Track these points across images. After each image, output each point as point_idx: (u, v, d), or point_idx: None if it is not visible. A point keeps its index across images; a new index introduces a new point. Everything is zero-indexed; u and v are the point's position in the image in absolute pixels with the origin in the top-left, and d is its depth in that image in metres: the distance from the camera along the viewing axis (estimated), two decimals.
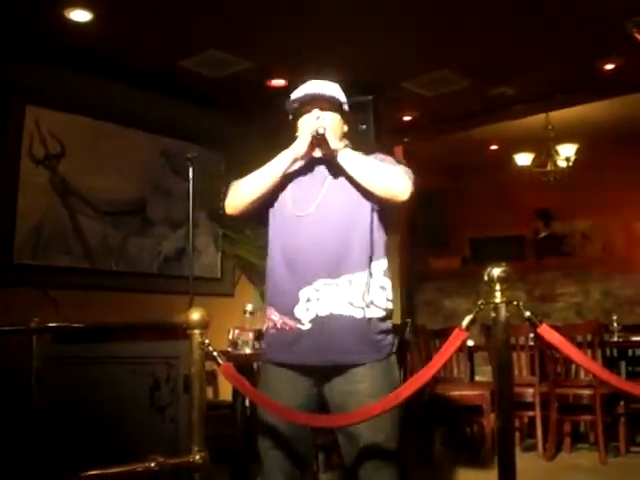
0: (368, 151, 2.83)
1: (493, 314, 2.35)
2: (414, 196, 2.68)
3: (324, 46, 5.54)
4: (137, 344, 3.35)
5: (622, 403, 5.38)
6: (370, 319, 2.58)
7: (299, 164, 2.75)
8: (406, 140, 7.67)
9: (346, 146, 2.75)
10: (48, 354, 3.45)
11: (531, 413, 5.54)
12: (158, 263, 6.28)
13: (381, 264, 2.67)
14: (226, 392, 5.13)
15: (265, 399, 2.56)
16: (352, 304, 2.56)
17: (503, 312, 2.34)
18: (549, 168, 8.41)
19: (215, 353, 2.58)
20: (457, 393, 5.62)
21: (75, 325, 3.36)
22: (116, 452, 2.90)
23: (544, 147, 8.40)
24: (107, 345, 3.47)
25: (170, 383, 2.90)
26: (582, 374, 5.42)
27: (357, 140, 6.44)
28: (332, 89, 2.75)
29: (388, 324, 2.66)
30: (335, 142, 2.66)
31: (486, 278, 2.36)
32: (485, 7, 5.06)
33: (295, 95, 2.75)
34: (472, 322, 2.39)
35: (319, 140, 2.64)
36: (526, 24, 5.32)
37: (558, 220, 9.42)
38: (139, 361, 3.13)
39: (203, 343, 2.55)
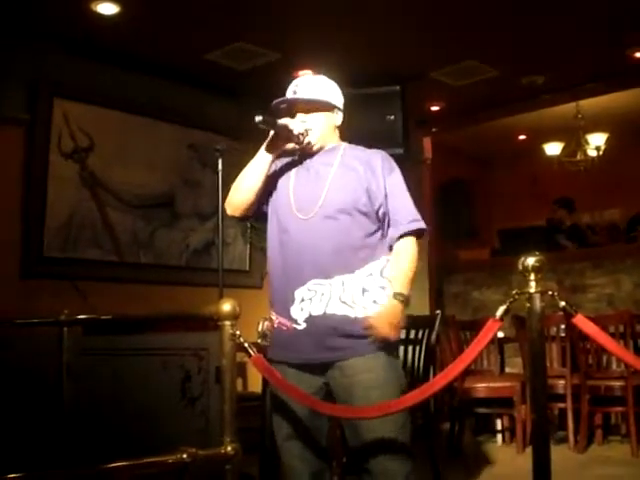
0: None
1: (528, 304, 2.32)
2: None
3: (351, 36, 5.51)
4: (167, 336, 3.36)
5: None
6: (365, 317, 2.58)
7: (301, 160, 2.77)
8: (434, 130, 7.61)
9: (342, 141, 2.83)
10: (79, 346, 3.46)
11: (562, 405, 5.48)
12: (186, 256, 6.29)
13: (381, 263, 2.67)
14: (256, 384, 5.13)
15: (295, 389, 2.56)
16: (345, 303, 2.58)
17: (538, 302, 2.32)
18: (579, 158, 8.31)
19: (246, 344, 2.58)
20: (488, 385, 5.59)
21: (105, 317, 3.39)
22: (146, 444, 2.91)
23: (574, 136, 8.30)
24: (137, 337, 3.48)
25: (201, 375, 2.90)
26: (614, 365, 5.36)
27: (384, 131, 6.41)
28: (315, 88, 2.75)
29: None
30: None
31: (520, 268, 2.34)
32: None
33: (278, 99, 2.78)
34: (506, 312, 2.37)
35: (283, 135, 2.66)
36: (556, 12, 5.25)
37: (587, 210, 9.31)
38: (169, 352, 3.13)
39: (234, 334, 2.54)
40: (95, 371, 3.41)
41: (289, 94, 2.76)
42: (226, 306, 2.53)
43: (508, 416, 5.75)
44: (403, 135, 6.07)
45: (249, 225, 6.52)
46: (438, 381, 2.42)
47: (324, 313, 2.57)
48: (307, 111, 2.72)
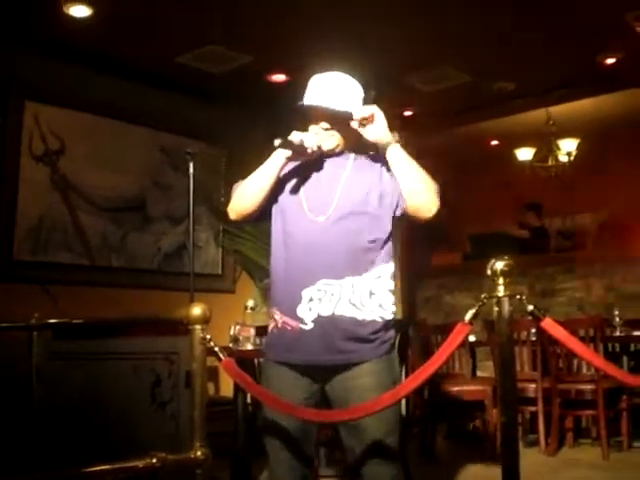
0: (367, 147, 2.82)
1: (496, 308, 2.34)
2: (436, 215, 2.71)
3: (324, 41, 5.52)
4: (138, 340, 3.34)
5: (624, 398, 5.36)
6: (372, 320, 2.57)
7: (314, 161, 2.72)
8: (406, 135, 7.63)
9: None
10: (48, 350, 3.43)
11: (533, 408, 5.52)
12: (158, 259, 6.27)
13: (389, 267, 2.67)
14: (227, 388, 5.13)
15: (267, 394, 2.55)
16: (355, 305, 2.56)
17: (506, 306, 2.34)
18: (550, 163, 8.39)
19: (216, 349, 2.57)
20: (459, 388, 5.60)
21: (75, 321, 3.36)
22: (116, 448, 2.89)
23: (545, 142, 8.37)
24: (107, 341, 3.44)
25: (171, 379, 2.88)
26: (584, 369, 5.41)
27: (358, 135, 6.43)
28: (343, 94, 2.66)
29: (389, 323, 2.65)
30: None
31: (489, 272, 2.36)
32: (486, 2, 5.05)
33: (306, 100, 2.68)
34: (475, 316, 2.39)
35: (297, 151, 2.63)
36: (526, 19, 5.31)
37: (558, 215, 9.40)
38: (140, 357, 3.11)
39: (204, 338, 2.53)
40: (65, 375, 3.37)
41: (313, 95, 2.67)
42: (196, 310, 2.53)
43: (480, 419, 5.78)
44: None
45: (221, 229, 6.52)
46: (408, 384, 2.43)
47: (333, 314, 2.54)
48: (334, 120, 2.65)
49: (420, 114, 7.27)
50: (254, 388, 2.61)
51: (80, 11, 4.99)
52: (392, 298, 2.65)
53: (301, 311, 2.57)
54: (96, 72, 5.83)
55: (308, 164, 2.74)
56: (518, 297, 2.36)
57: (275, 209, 2.74)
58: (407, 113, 7.25)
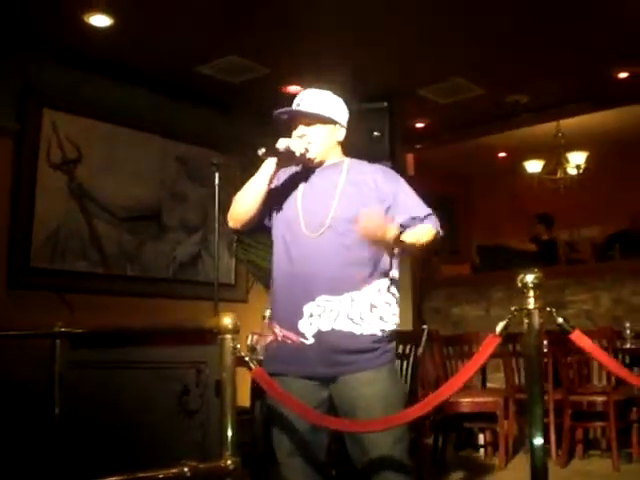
0: (380, 159, 2.87)
1: (526, 320, 2.36)
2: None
3: (340, 53, 5.57)
4: (163, 349, 3.34)
5: (635, 410, 5.38)
6: (370, 334, 2.61)
7: (307, 175, 2.78)
8: (418, 147, 7.69)
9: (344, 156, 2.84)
10: (67, 359, 3.44)
11: (545, 420, 5.52)
12: (173, 268, 6.29)
13: (388, 280, 2.70)
14: (243, 398, 5.14)
15: (296, 402, 2.57)
16: (352, 320, 2.60)
17: (536, 318, 2.35)
18: (559, 175, 8.43)
19: (247, 358, 2.60)
20: (472, 400, 5.61)
21: (101, 329, 3.38)
22: (142, 458, 2.90)
23: (554, 155, 8.41)
24: (130, 349, 3.45)
25: (200, 388, 2.89)
26: (596, 380, 5.43)
27: (370, 147, 6.48)
28: (319, 102, 2.76)
29: (390, 334, 2.68)
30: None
31: (519, 284, 2.38)
32: (501, 15, 5.10)
33: (280, 109, 2.79)
34: (506, 328, 2.41)
35: (285, 157, 2.68)
36: (542, 32, 5.35)
37: (566, 227, 9.43)
38: (166, 366, 3.12)
39: (235, 348, 2.56)
40: (86, 384, 3.38)
41: (293, 106, 2.77)
42: (227, 320, 2.55)
43: (490, 430, 5.80)
44: (390, 151, 6.11)
45: (235, 238, 6.53)
46: (442, 393, 2.45)
47: (332, 329, 2.59)
48: (308, 124, 2.73)
49: (432, 126, 7.31)
50: (283, 396, 2.64)
51: (101, 21, 5.03)
52: (393, 309, 2.69)
53: (302, 326, 2.62)
54: (114, 81, 5.87)
55: (302, 177, 2.79)
56: (548, 310, 2.39)
57: (275, 222, 2.79)
58: (419, 125, 7.29)
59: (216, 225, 4.30)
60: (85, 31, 5.14)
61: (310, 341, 2.61)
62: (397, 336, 2.73)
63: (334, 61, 5.61)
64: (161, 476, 2.32)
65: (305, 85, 6.01)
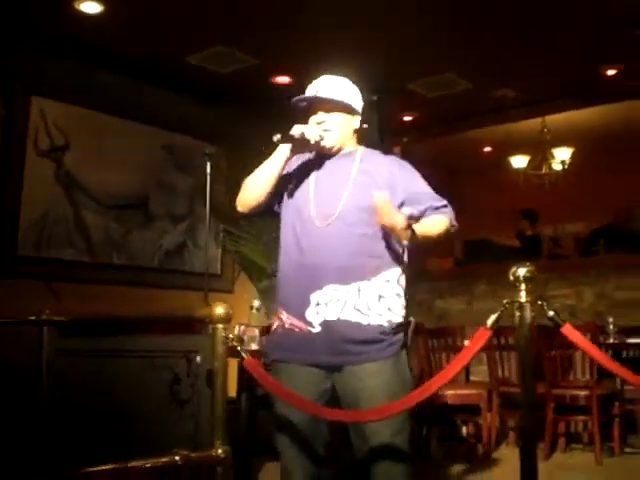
0: (381, 150, 2.86)
1: (518, 313, 2.38)
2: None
3: (329, 44, 5.56)
4: (151, 338, 3.34)
5: (617, 404, 5.43)
6: (377, 325, 2.60)
7: (320, 163, 2.75)
8: (405, 140, 7.70)
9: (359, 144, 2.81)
10: (54, 347, 3.43)
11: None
12: (159, 257, 6.28)
13: (397, 270, 2.69)
14: (230, 389, 5.14)
15: (288, 393, 2.58)
16: (360, 311, 2.59)
17: (528, 312, 2.37)
18: (544, 171, 8.46)
19: (239, 348, 2.61)
20: (455, 392, 5.64)
21: (89, 318, 3.38)
22: (133, 446, 2.90)
23: (539, 150, 8.45)
24: (119, 338, 3.45)
25: (191, 377, 2.90)
26: (579, 375, 5.47)
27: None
28: (338, 89, 2.73)
29: (398, 325, 2.67)
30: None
31: (511, 278, 2.39)
32: (490, 11, 5.13)
33: (299, 96, 2.75)
34: (497, 321, 2.43)
35: (299, 144, 2.66)
36: (530, 28, 5.38)
37: (550, 223, 9.48)
38: (155, 355, 3.12)
39: (227, 337, 2.56)
40: (77, 372, 3.38)
41: (310, 92, 2.74)
42: (219, 309, 2.55)
43: (474, 423, 5.84)
44: (378, 144, 6.11)
45: (222, 228, 6.53)
46: (434, 384, 2.46)
47: (338, 319, 2.58)
48: (328, 110, 2.70)
49: (420, 119, 7.33)
50: (275, 386, 2.64)
51: (91, 7, 4.99)
52: (401, 301, 2.68)
53: (309, 315, 2.61)
54: (103, 69, 5.84)
55: (315, 165, 2.77)
56: (539, 303, 2.41)
57: (286, 208, 2.77)
58: (407, 118, 7.30)
59: (207, 214, 4.28)
60: (75, 18, 5.10)
61: (317, 329, 2.60)
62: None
63: (324, 53, 5.59)
64: (152, 465, 2.33)
65: (293, 76, 6.08)
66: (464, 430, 6.11)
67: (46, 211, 5.51)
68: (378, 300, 2.61)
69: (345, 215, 2.63)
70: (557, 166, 8.42)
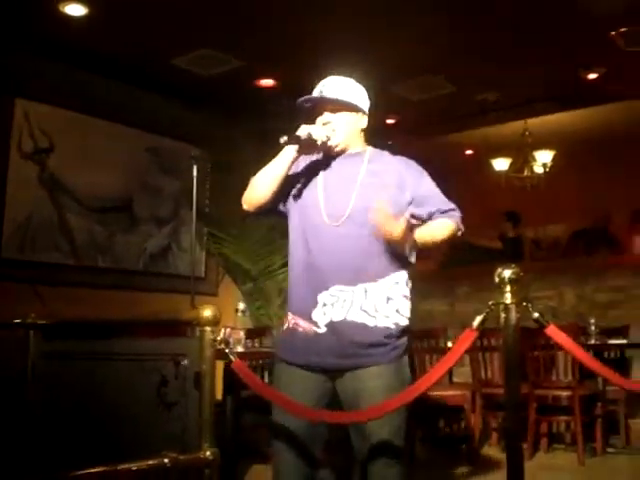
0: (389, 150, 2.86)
1: (503, 315, 2.40)
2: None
3: (314, 47, 5.58)
4: (138, 341, 3.33)
5: (599, 404, 5.48)
6: (384, 327, 2.59)
7: (328, 164, 2.74)
8: (389, 143, 7.71)
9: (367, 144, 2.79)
10: (39, 350, 3.42)
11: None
12: (144, 261, 6.27)
13: (406, 273, 2.68)
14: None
15: (278, 396, 2.59)
16: (367, 312, 2.58)
17: (514, 313, 2.39)
18: (526, 174, 8.52)
19: (227, 350, 2.63)
20: (439, 394, 5.67)
21: (77, 320, 3.37)
22: (121, 448, 2.90)
23: (521, 153, 8.50)
24: (105, 342, 3.43)
25: (179, 380, 2.90)
26: (562, 375, 5.52)
27: None
28: (343, 89, 2.72)
29: (404, 329, 2.66)
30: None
31: (497, 279, 2.41)
32: (474, 15, 5.17)
33: (304, 97, 2.73)
34: (483, 323, 2.45)
35: (306, 145, 2.64)
36: (513, 32, 5.43)
37: (531, 225, 9.54)
38: (142, 358, 3.12)
39: (215, 340, 2.58)
40: (60, 375, 3.36)
41: (315, 93, 2.73)
42: (207, 312, 2.57)
43: (457, 424, 5.87)
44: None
45: (206, 231, 6.53)
46: (416, 388, 2.48)
47: (344, 319, 2.57)
48: (333, 110, 2.69)
49: (404, 122, 7.36)
50: (263, 388, 2.66)
51: (75, 10, 4.98)
52: (408, 304, 2.67)
53: (316, 315, 2.60)
54: (88, 71, 5.83)
55: (323, 165, 2.75)
56: (524, 304, 2.44)
57: (293, 208, 2.76)
58: (390, 121, 7.33)
59: (193, 217, 4.29)
60: (60, 20, 5.10)
61: (322, 330, 2.59)
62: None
63: (308, 56, 5.61)
64: (140, 467, 2.33)
65: (278, 79, 6.09)
66: (447, 431, 6.14)
67: (30, 214, 5.50)
68: (386, 302, 2.60)
69: (353, 216, 2.62)
70: (539, 169, 8.47)
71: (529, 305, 2.44)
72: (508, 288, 2.40)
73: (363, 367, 2.59)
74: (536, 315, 2.45)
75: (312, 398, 2.62)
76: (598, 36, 5.48)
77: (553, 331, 2.49)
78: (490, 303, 2.42)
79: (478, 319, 2.43)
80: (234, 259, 6.41)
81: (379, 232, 2.53)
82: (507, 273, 2.41)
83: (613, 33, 5.35)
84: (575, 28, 5.37)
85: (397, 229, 2.50)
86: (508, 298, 2.39)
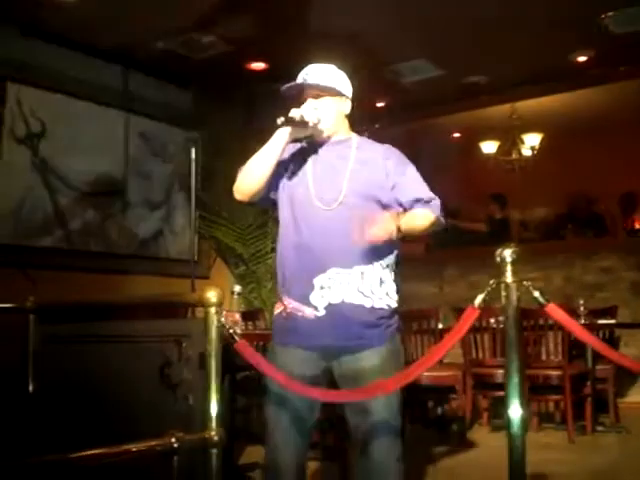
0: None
1: (504, 294, 2.44)
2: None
3: (303, 31, 5.58)
4: (142, 323, 3.35)
5: (589, 384, 5.55)
6: (379, 308, 2.66)
7: (315, 150, 2.78)
8: (377, 126, 7.74)
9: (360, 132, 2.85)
10: (41, 333, 3.42)
11: (501, 393, 5.66)
12: (136, 244, 6.26)
13: (394, 257, 2.75)
14: None
15: (280, 374, 2.62)
16: (363, 294, 2.64)
17: (514, 292, 2.43)
18: (514, 156, 8.57)
19: (231, 330, 2.65)
20: (431, 374, 5.70)
21: (78, 304, 3.38)
22: (124, 431, 2.91)
23: (509, 136, 8.55)
24: (105, 324, 3.44)
25: (182, 362, 2.92)
26: (552, 355, 5.58)
27: None
28: (325, 75, 2.77)
29: (395, 310, 2.74)
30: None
31: (498, 259, 2.45)
32: None
33: (288, 84, 2.77)
34: (484, 301, 2.49)
35: (298, 127, 2.69)
36: (500, 15, 5.45)
37: (517, 207, 9.60)
38: (145, 340, 3.13)
39: (219, 321, 2.60)
40: (62, 359, 3.37)
41: (299, 80, 2.77)
42: (211, 293, 2.59)
43: (447, 404, 5.92)
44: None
45: (197, 215, 6.53)
46: (417, 367, 2.53)
47: (342, 301, 2.63)
48: (317, 96, 2.73)
49: (392, 105, 7.37)
50: (267, 367, 2.68)
51: None
52: (395, 286, 2.74)
53: (314, 298, 2.64)
54: (79, 55, 5.80)
55: (311, 152, 2.79)
56: (525, 284, 2.48)
57: (282, 195, 2.79)
58: (379, 104, 7.34)
59: (192, 201, 4.29)
60: (50, 4, 5.07)
61: (321, 313, 2.64)
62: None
63: (298, 40, 5.61)
64: (148, 447, 2.35)
65: (268, 62, 6.08)
66: (438, 411, 6.20)
67: (23, 198, 5.47)
68: (380, 285, 2.67)
69: (346, 201, 2.67)
70: (527, 152, 8.52)
71: (530, 284, 2.48)
72: (509, 267, 2.44)
73: (362, 347, 2.64)
74: (536, 294, 2.49)
75: (308, 373, 2.66)
76: (587, 19, 5.50)
77: (553, 309, 2.52)
78: (491, 282, 2.46)
79: (479, 298, 2.47)
80: (226, 242, 6.42)
81: (362, 237, 2.55)
82: (507, 253, 2.45)
83: (602, 16, 5.37)
84: (563, 11, 5.40)
85: (390, 225, 2.55)
86: (509, 277, 2.43)
